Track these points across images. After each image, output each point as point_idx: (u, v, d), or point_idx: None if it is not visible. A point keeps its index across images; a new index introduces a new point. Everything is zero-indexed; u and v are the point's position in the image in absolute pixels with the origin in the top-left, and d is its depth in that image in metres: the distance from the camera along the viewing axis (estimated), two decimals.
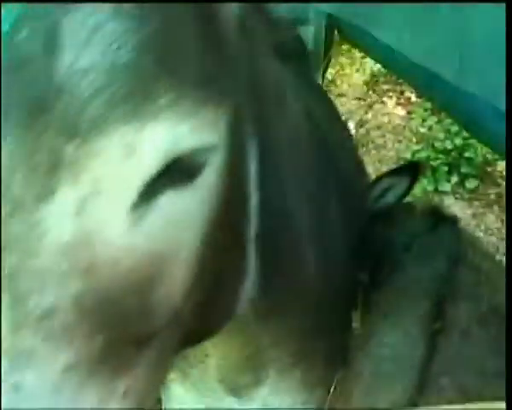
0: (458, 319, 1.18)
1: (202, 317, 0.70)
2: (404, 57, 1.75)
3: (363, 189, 1.67)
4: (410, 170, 1.51)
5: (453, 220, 1.49)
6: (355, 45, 2.83)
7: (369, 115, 4.50)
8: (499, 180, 3.74)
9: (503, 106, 1.25)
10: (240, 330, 0.98)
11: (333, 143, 1.36)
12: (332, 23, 2.95)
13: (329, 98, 1.91)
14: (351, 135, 2.16)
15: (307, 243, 1.05)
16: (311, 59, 2.11)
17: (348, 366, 1.23)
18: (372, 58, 2.52)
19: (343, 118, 4.35)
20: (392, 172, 1.54)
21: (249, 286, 0.83)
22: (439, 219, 1.47)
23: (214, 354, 1.10)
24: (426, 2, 1.63)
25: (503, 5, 1.52)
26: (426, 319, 1.19)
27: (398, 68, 1.90)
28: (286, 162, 0.93)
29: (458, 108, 1.70)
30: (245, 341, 1.04)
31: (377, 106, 4.63)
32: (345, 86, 4.99)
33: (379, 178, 1.55)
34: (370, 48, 2.39)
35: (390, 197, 1.53)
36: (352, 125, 4.20)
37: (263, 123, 0.80)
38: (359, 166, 1.79)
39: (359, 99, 4.79)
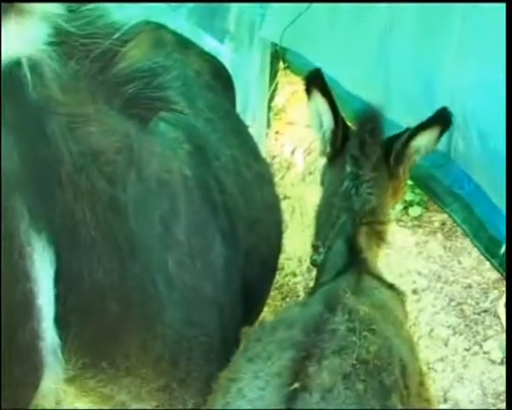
0: (321, 378, 1.12)
1: None
2: (339, 86, 1.76)
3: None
4: (440, 119, 1.57)
5: (360, 265, 1.49)
6: (298, 74, 2.85)
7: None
8: None
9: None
10: (95, 389, 1.12)
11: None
12: (277, 52, 2.98)
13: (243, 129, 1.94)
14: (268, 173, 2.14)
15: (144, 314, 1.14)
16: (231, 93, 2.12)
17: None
18: None
19: (292, 146, 4.38)
20: (422, 126, 1.56)
21: (55, 373, 0.91)
22: (350, 263, 1.47)
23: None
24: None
25: (435, 33, 1.54)
26: (287, 375, 1.13)
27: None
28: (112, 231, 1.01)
29: None
30: (104, 397, 1.17)
31: None
32: (295, 114, 5.01)
33: (409, 133, 1.57)
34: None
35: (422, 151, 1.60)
36: (300, 153, 4.22)
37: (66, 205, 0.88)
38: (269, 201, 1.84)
39: (309, 126, 4.81)
